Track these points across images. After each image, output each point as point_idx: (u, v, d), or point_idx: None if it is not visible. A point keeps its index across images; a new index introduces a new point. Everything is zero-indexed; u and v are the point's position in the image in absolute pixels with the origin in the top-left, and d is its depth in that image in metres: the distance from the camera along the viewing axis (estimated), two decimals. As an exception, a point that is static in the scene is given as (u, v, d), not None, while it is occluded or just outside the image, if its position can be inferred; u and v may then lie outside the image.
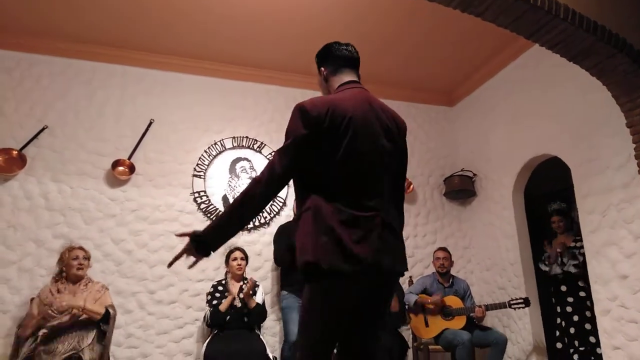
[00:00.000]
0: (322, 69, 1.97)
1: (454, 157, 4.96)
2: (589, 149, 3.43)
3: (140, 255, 3.79)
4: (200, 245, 1.66)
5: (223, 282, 3.68)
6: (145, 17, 3.68)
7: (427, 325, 3.84)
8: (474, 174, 4.68)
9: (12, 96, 3.80)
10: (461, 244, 4.74)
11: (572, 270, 3.72)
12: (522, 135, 4.11)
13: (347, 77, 1.92)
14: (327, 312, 1.59)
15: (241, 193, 1.65)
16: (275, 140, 4.44)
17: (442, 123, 5.08)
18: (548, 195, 4.32)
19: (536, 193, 4.40)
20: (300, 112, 1.67)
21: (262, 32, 3.92)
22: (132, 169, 3.93)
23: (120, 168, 3.92)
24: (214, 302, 3.53)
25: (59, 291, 3.14)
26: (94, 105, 4.00)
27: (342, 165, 1.63)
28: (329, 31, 3.94)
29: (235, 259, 3.70)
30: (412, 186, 4.71)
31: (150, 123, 4.05)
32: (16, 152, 3.67)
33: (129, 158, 3.94)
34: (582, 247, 3.61)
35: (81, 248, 3.35)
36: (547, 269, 3.87)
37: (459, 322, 3.78)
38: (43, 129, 3.78)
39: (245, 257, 3.77)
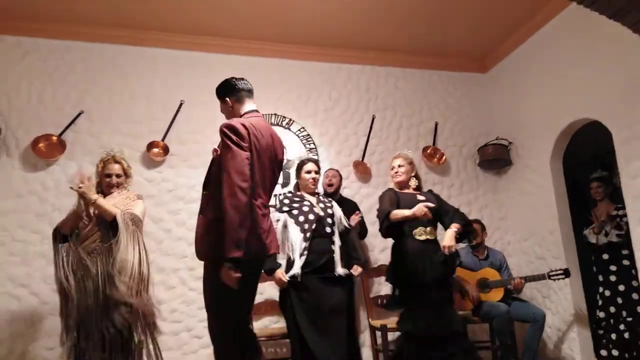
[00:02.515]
0: (228, 99, 2.41)
1: (487, 126, 4.82)
2: (632, 112, 3.27)
3: (180, 233, 3.91)
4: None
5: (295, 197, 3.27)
6: (171, -2, 3.70)
7: (463, 297, 3.82)
8: (510, 142, 4.55)
9: (49, 83, 3.92)
10: (497, 215, 4.65)
11: (615, 239, 3.61)
12: (560, 100, 3.95)
13: (250, 106, 2.41)
14: None
15: None
16: (304, 116, 4.43)
17: (475, 90, 4.93)
18: (588, 161, 4.17)
19: (575, 159, 4.25)
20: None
21: (286, 8, 3.87)
22: (166, 150, 4.01)
23: (155, 150, 4.01)
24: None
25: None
26: (126, 88, 4.09)
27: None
28: (355, 4, 3.86)
29: (309, 171, 3.31)
30: (444, 157, 4.62)
31: (181, 104, 4.11)
32: (56, 137, 3.81)
33: (163, 139, 4.03)
34: (624, 215, 3.48)
35: (117, 161, 2.99)
36: (594, 240, 3.76)
37: (496, 294, 3.74)
38: (79, 114, 3.90)
39: (319, 171, 3.39)
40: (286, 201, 3.26)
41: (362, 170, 4.44)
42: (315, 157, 3.43)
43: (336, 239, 3.19)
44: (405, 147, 4.61)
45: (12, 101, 3.82)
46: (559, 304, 3.94)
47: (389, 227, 3.03)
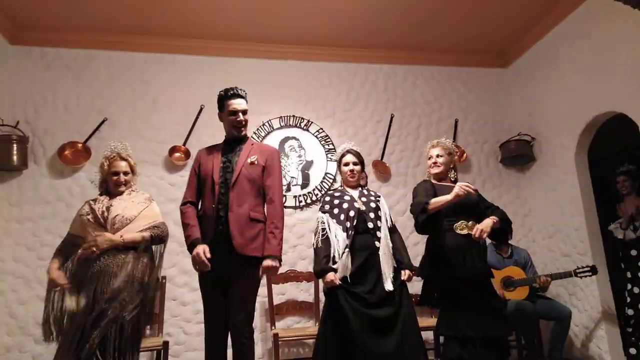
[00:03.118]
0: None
1: (509, 122, 4.74)
2: (660, 103, 3.17)
3: (201, 236, 3.96)
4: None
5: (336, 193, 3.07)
6: (189, 3, 3.75)
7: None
8: (532, 138, 4.46)
9: (74, 92, 4.04)
10: (520, 212, 4.57)
11: (645, 234, 3.51)
12: (583, 93, 3.86)
13: None
14: None
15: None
16: (322, 117, 4.44)
17: (495, 86, 4.86)
18: (614, 155, 4.06)
19: (601, 154, 4.14)
20: None
21: (303, 10, 3.89)
22: (187, 154, 4.08)
23: (177, 154, 4.08)
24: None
25: (97, 202, 2.67)
26: (148, 95, 4.17)
27: None
28: (372, 3, 3.85)
29: (347, 164, 3.07)
30: (465, 155, 4.57)
31: (201, 109, 4.17)
32: (81, 144, 3.92)
33: (184, 144, 4.10)
34: (654, 209, 3.39)
35: (123, 158, 2.76)
36: (621, 235, 3.66)
37: (521, 293, 3.68)
38: (103, 121, 3.99)
39: (360, 162, 3.11)
40: (327, 199, 3.06)
41: (382, 170, 4.43)
42: (356, 148, 3.15)
43: (382, 234, 2.91)
44: (424, 146, 4.57)
45: (39, 110, 3.94)
46: (586, 302, 3.85)
47: (426, 222, 2.78)
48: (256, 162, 2.62)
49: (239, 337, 2.49)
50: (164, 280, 3.74)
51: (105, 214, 2.58)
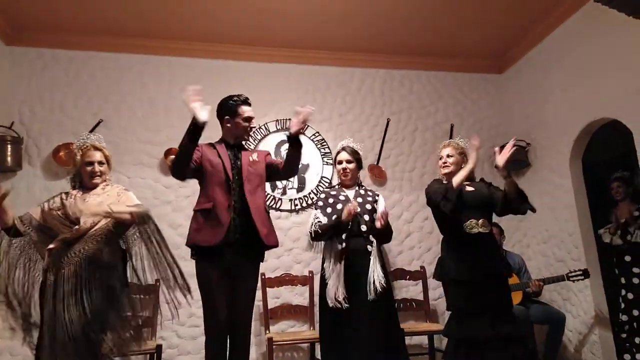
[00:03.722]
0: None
1: (505, 127, 4.76)
2: (654, 110, 3.20)
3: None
4: None
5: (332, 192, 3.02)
6: (187, 6, 3.75)
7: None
8: (528, 143, 4.48)
9: (70, 92, 4.02)
10: (515, 218, 4.52)
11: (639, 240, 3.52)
12: (578, 99, 3.88)
13: None
14: None
15: None
16: (318, 120, 4.44)
17: (491, 91, 4.88)
18: (608, 161, 4.09)
19: (595, 160, 4.17)
20: None
21: (300, 13, 3.90)
22: (183, 156, 4.06)
23: (172, 157, 4.06)
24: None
25: (70, 196, 2.51)
26: (144, 97, 4.16)
27: None
28: (373, 8, 3.86)
29: (340, 162, 3.03)
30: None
31: (197, 111, 4.16)
32: (76, 146, 3.89)
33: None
34: (646, 215, 3.41)
35: (97, 148, 2.59)
36: (608, 239, 3.68)
37: (514, 298, 3.68)
38: (99, 123, 3.98)
39: (356, 160, 3.05)
40: (322, 196, 3.01)
41: (378, 174, 4.43)
42: (353, 145, 3.07)
43: (372, 239, 2.85)
44: (420, 150, 4.61)
45: (34, 111, 3.93)
46: (580, 307, 3.86)
47: (457, 199, 2.66)
48: (257, 159, 2.78)
49: (243, 329, 2.58)
50: (157, 284, 3.72)
51: (77, 211, 2.40)
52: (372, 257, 2.80)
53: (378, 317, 2.75)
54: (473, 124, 4.75)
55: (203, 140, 2.65)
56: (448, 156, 2.97)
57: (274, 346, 3.41)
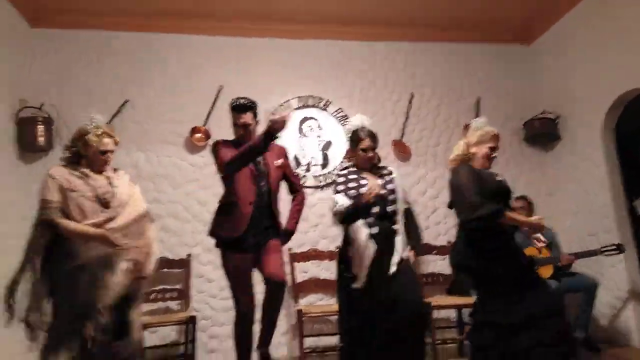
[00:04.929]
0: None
1: (533, 99, 4.63)
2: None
3: (223, 216, 3.99)
4: None
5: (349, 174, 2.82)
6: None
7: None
8: (557, 116, 4.36)
9: (95, 73, 4.07)
10: (544, 191, 4.49)
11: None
12: (611, 70, 3.75)
13: None
14: None
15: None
16: (341, 96, 4.41)
17: (519, 63, 4.74)
18: (641, 132, 3.95)
19: (629, 131, 4.03)
20: None
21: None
22: (207, 135, 4.09)
23: (197, 135, 4.10)
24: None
25: (87, 177, 2.43)
26: (167, 76, 4.18)
27: None
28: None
29: (365, 149, 2.78)
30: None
31: (220, 89, 4.17)
32: (104, 126, 3.95)
33: (204, 124, 4.11)
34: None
35: (110, 135, 2.53)
36: None
37: (545, 272, 3.63)
38: (125, 103, 4.02)
39: (377, 144, 2.86)
40: (340, 180, 2.80)
41: (401, 149, 4.39)
42: (370, 129, 2.85)
43: (399, 218, 2.75)
44: (444, 125, 4.53)
45: (62, 92, 3.99)
46: (612, 281, 3.79)
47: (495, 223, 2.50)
48: (280, 164, 2.92)
49: (278, 280, 2.68)
50: (189, 258, 3.81)
51: (108, 194, 2.43)
52: (397, 239, 2.71)
53: (399, 287, 2.63)
54: (500, 97, 4.64)
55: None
56: (495, 148, 2.76)
57: (303, 318, 3.47)
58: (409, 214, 2.88)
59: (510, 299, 2.48)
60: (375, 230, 2.65)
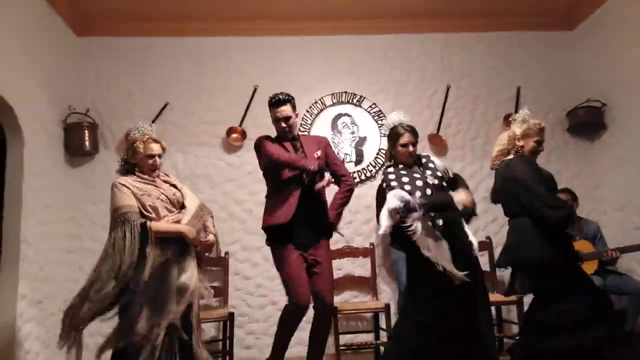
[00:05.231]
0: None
1: (576, 88, 4.42)
2: None
3: (260, 213, 4.02)
4: None
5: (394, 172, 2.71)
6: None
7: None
8: (603, 104, 4.16)
9: (136, 79, 4.24)
10: (589, 184, 4.31)
11: None
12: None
13: None
14: None
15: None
16: (376, 92, 4.38)
17: (562, 50, 4.53)
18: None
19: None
20: None
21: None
22: (244, 134, 4.19)
23: (234, 135, 4.20)
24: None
25: (156, 183, 2.62)
26: (203, 78, 4.30)
27: None
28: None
29: (405, 144, 2.71)
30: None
31: (255, 90, 4.24)
32: (146, 129, 4.11)
33: (240, 125, 4.20)
34: None
35: (156, 140, 2.64)
36: None
37: (589, 267, 3.50)
38: (165, 106, 4.17)
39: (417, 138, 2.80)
40: (392, 177, 2.66)
41: (438, 144, 4.32)
42: (409, 124, 2.78)
43: (456, 194, 2.67)
44: (482, 117, 4.42)
45: (105, 98, 4.18)
46: (663, 278, 3.60)
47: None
48: (319, 155, 2.92)
49: (326, 308, 2.75)
50: (227, 256, 3.92)
51: (178, 199, 2.64)
52: (465, 228, 2.63)
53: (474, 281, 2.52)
54: (541, 86, 4.46)
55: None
56: (542, 142, 2.76)
57: (338, 315, 3.50)
58: (458, 179, 2.83)
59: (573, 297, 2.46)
60: (439, 222, 2.53)
